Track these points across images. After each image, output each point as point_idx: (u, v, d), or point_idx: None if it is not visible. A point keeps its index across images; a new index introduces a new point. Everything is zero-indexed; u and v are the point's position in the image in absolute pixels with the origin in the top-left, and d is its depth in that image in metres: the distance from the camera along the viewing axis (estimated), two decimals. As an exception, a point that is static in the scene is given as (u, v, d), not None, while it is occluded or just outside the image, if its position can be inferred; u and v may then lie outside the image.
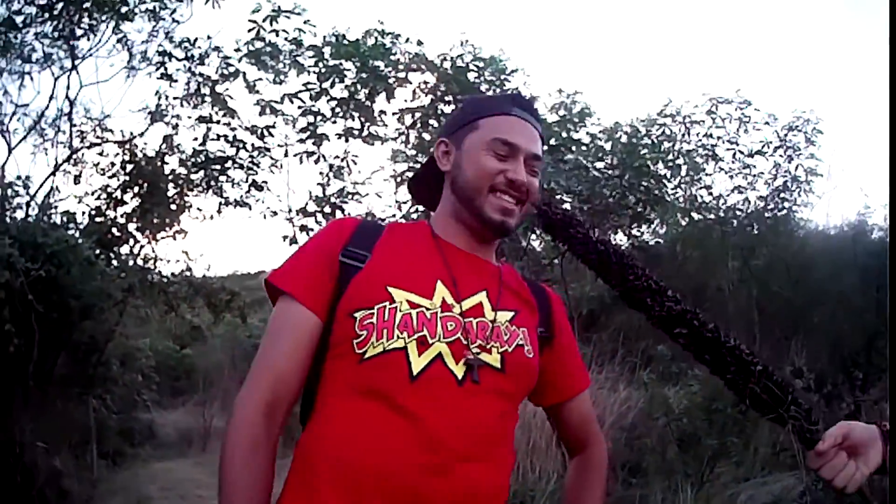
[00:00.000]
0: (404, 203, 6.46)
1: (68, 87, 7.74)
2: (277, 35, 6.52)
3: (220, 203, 7.45)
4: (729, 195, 9.07)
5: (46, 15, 7.14)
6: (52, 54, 7.61)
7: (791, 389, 1.17)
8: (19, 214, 7.11)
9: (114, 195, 7.38)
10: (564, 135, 6.83)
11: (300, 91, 6.51)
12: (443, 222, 1.32)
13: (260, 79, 6.73)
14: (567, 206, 6.82)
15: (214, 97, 7.09)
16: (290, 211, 6.75)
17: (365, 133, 6.53)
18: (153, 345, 11.45)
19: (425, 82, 6.55)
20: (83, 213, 7.42)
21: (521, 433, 5.10)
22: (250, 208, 7.48)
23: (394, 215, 6.48)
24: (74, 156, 7.62)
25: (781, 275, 7.73)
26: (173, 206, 7.37)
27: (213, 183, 7.31)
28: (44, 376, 6.98)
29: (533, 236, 6.87)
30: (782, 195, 8.99)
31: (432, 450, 1.08)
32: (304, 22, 6.49)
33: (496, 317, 1.22)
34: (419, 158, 6.52)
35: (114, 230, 7.28)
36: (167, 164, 7.45)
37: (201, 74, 7.27)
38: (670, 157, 8.19)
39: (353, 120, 6.54)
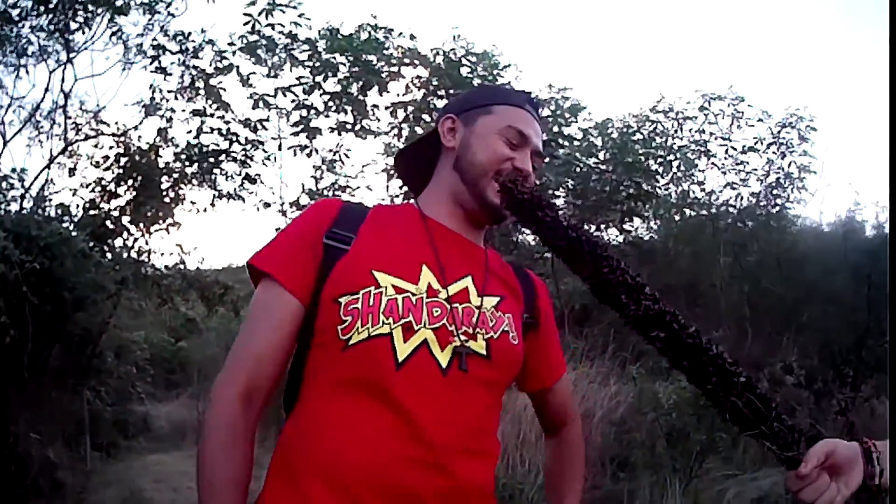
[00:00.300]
0: (396, 197, 6.49)
1: (63, 80, 7.72)
2: (273, 28, 6.56)
3: (214, 196, 7.44)
4: (721, 191, 9.16)
5: (42, 8, 7.12)
6: (47, 47, 7.60)
7: (774, 405, 1.08)
8: (14, 207, 7.10)
9: (108, 188, 7.36)
10: (556, 129, 6.85)
11: (293, 85, 6.54)
12: (435, 200, 1.31)
13: (254, 72, 6.77)
14: (560, 201, 6.86)
15: (208, 90, 7.09)
16: (282, 203, 6.79)
17: (357, 127, 6.56)
18: (148, 337, 11.38)
19: (418, 76, 6.59)
20: (77, 205, 7.42)
21: (511, 426, 5.13)
22: (244, 201, 7.47)
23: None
24: (70, 148, 7.62)
25: (773, 271, 7.76)
26: (167, 199, 7.36)
27: (206, 176, 7.29)
28: (38, 368, 6.98)
29: (526, 230, 6.89)
30: (775, 192, 9.05)
31: (421, 443, 1.08)
32: (299, 15, 6.53)
33: (482, 302, 1.21)
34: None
35: (107, 223, 7.27)
36: (161, 157, 7.43)
37: (195, 67, 7.24)
38: (662, 152, 8.22)
39: (346, 114, 6.58)
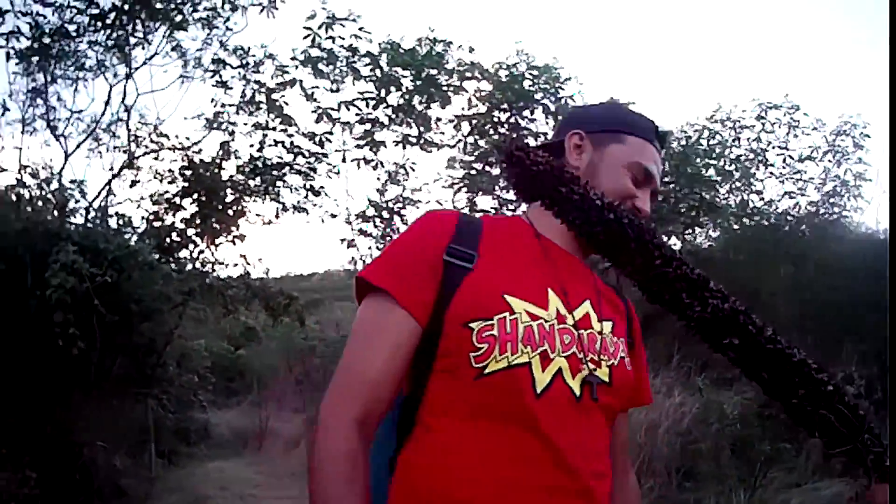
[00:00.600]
0: (462, 210, 6.51)
1: (124, 95, 7.87)
2: (333, 42, 6.61)
3: (278, 208, 7.53)
4: (780, 200, 9.06)
5: (99, 24, 7.25)
6: (104, 62, 7.74)
7: (864, 414, 0.92)
8: (78, 220, 7.23)
9: (172, 200, 7.48)
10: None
11: (357, 99, 6.60)
12: (549, 218, 1.17)
13: (317, 87, 6.82)
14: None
15: (270, 104, 7.17)
16: (349, 215, 6.85)
17: (422, 140, 6.60)
18: (208, 346, 11.52)
19: (480, 90, 6.61)
20: (141, 217, 7.55)
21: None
22: (307, 213, 7.53)
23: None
24: (133, 161, 7.75)
25: (832, 279, 7.67)
26: (231, 212, 7.45)
27: (270, 189, 7.37)
28: (103, 377, 7.13)
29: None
30: (832, 200, 8.95)
31: (566, 471, 1.04)
32: (360, 29, 6.57)
33: (602, 328, 1.16)
34: (475, 165, 6.58)
35: (172, 234, 7.39)
36: (224, 169, 7.52)
37: (257, 82, 7.33)
38: (721, 162, 8.17)
39: (410, 127, 6.61)
